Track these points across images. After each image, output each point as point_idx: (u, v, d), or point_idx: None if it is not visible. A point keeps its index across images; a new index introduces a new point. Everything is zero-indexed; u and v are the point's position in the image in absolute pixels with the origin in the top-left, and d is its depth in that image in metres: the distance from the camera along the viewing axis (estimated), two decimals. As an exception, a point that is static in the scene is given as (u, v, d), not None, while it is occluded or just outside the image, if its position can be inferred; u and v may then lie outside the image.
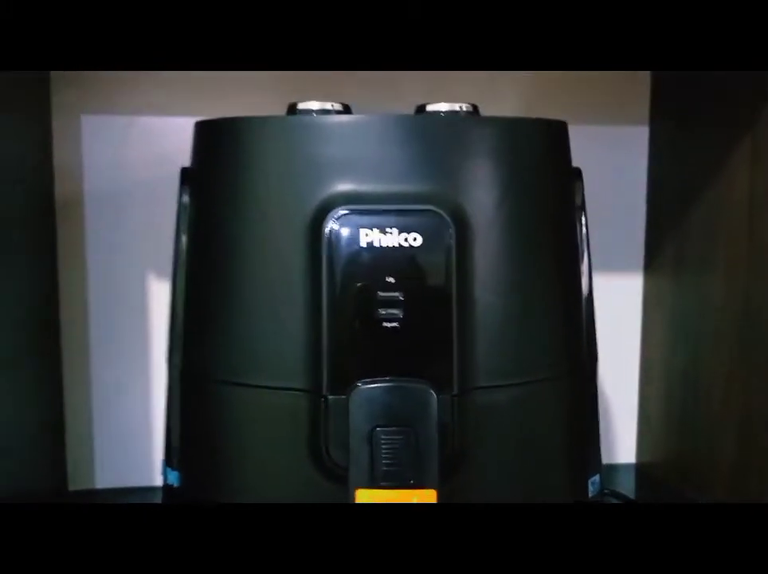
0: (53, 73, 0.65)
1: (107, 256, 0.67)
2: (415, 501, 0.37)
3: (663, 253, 0.71)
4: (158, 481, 0.65)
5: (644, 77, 0.71)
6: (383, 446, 0.38)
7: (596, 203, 0.70)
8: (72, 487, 0.68)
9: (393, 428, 0.38)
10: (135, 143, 0.66)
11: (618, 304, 0.73)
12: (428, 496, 0.38)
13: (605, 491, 0.64)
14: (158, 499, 0.50)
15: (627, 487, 0.70)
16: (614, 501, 0.65)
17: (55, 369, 0.66)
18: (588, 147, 0.70)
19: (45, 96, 0.64)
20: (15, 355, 0.55)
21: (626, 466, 0.75)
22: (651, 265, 0.73)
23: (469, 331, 0.40)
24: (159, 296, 0.68)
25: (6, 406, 0.53)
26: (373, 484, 0.38)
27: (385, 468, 0.38)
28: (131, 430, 0.69)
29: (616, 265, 0.73)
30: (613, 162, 0.71)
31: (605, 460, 0.73)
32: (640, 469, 0.74)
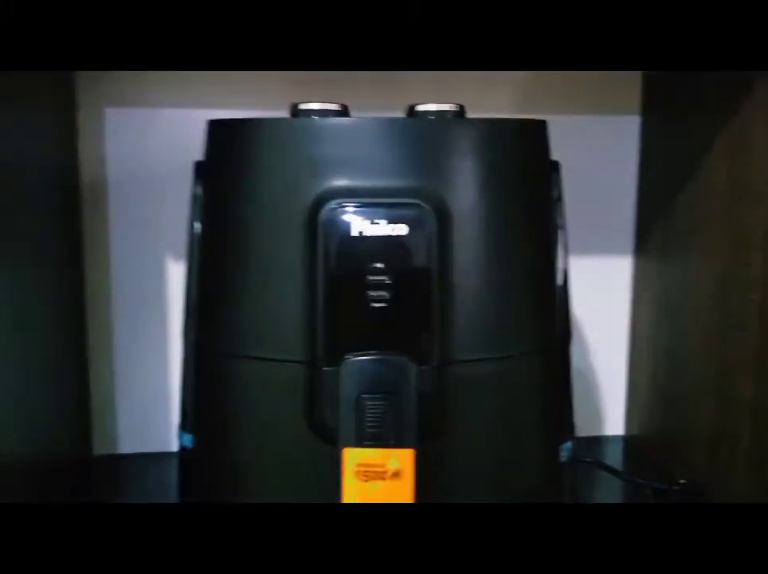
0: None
1: (129, 241, 0.69)
2: (394, 459, 0.41)
3: (651, 237, 0.73)
4: (177, 446, 0.69)
5: (635, 71, 0.73)
6: (368, 411, 0.42)
7: (590, 190, 0.74)
8: (96, 452, 0.71)
9: (377, 395, 0.42)
10: (155, 135, 0.68)
11: (609, 284, 0.76)
12: (406, 455, 0.42)
13: (589, 460, 0.68)
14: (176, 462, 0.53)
15: (615, 458, 0.73)
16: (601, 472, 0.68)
17: (81, 343, 0.69)
18: (582, 137, 0.73)
19: (70, 91, 0.66)
20: (44, 331, 0.58)
21: (615, 438, 0.77)
22: (640, 248, 0.75)
23: (449, 310, 0.44)
24: (176, 276, 0.70)
25: (35, 378, 0.56)
26: (359, 443, 0.42)
27: (369, 430, 0.42)
28: (152, 398, 0.71)
29: (607, 248, 0.75)
30: (607, 151, 0.74)
31: (594, 432, 0.78)
32: (628, 440, 0.77)
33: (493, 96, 0.71)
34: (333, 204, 0.44)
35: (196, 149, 0.50)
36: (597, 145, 0.74)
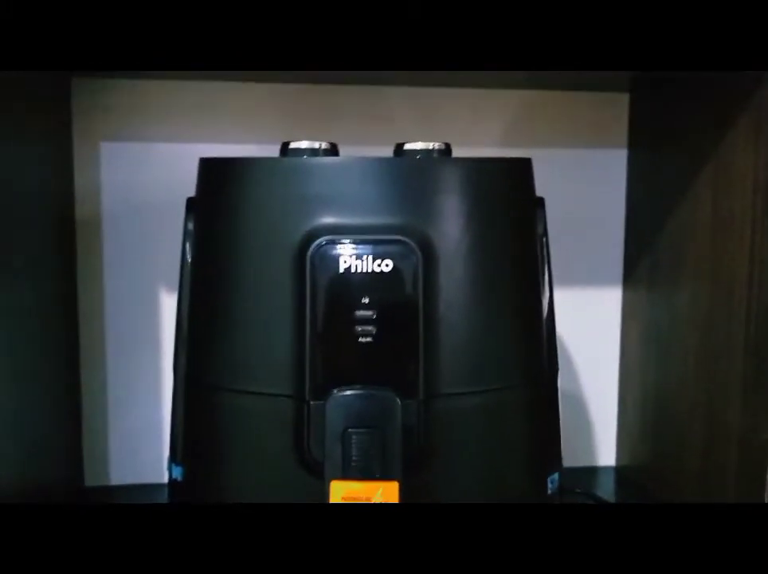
0: (75, 104, 0.68)
1: (122, 271, 0.70)
2: (380, 492, 0.42)
3: (638, 268, 0.74)
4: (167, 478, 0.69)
5: (623, 104, 0.74)
6: (354, 445, 0.42)
7: (578, 222, 0.75)
8: (88, 483, 0.71)
9: (363, 429, 0.43)
10: (148, 168, 0.69)
11: (599, 315, 0.77)
12: (391, 487, 0.42)
13: (578, 491, 0.69)
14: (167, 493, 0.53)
15: (607, 489, 0.74)
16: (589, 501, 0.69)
17: (73, 374, 0.69)
18: (571, 171, 0.75)
19: (66, 125, 0.67)
20: (37, 362, 0.58)
21: (607, 469, 0.78)
22: (628, 279, 0.76)
23: (434, 345, 0.45)
24: (169, 308, 0.70)
25: (27, 408, 0.56)
26: (345, 476, 0.42)
27: (354, 463, 0.42)
28: (144, 430, 0.72)
29: (596, 280, 0.76)
30: (595, 184, 0.75)
31: (586, 463, 0.78)
32: (620, 471, 0.77)
33: (480, 131, 0.73)
34: (321, 241, 0.45)
35: (189, 183, 0.51)
36: (585, 178, 0.75)
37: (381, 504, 0.42)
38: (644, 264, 0.73)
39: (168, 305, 0.71)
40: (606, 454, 0.79)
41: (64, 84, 0.67)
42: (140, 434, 0.72)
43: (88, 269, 0.70)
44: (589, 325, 0.77)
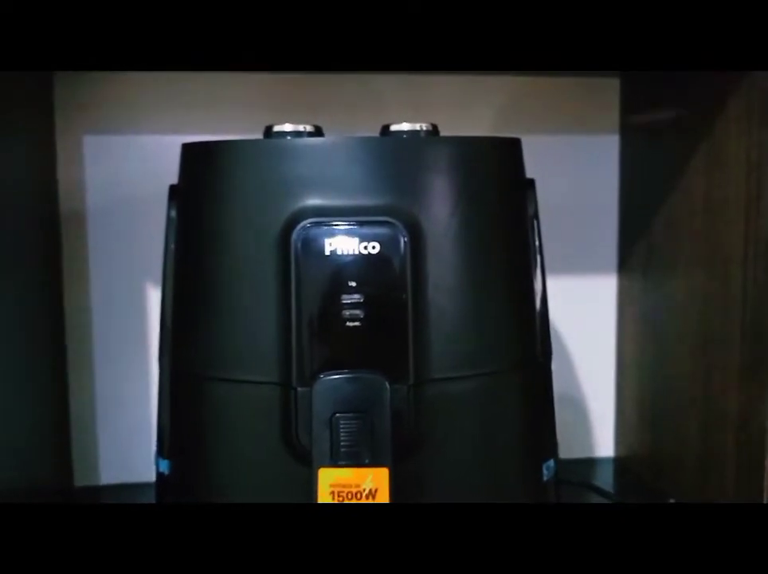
0: (57, 97, 0.67)
1: (108, 266, 0.70)
2: (370, 479, 0.41)
3: (633, 254, 0.73)
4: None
5: (614, 90, 0.74)
6: (342, 430, 0.41)
7: (572, 209, 0.74)
8: (77, 483, 0.70)
9: (351, 414, 0.42)
10: (133, 161, 0.69)
11: (594, 303, 0.76)
12: (381, 474, 0.41)
13: (577, 482, 0.68)
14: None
15: (605, 479, 0.73)
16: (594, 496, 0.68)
17: (61, 372, 0.68)
18: (563, 157, 0.74)
19: (49, 119, 0.67)
20: (24, 360, 0.58)
21: (605, 460, 0.77)
22: (623, 266, 0.75)
23: (423, 329, 0.44)
24: (156, 301, 0.66)
25: (15, 408, 0.55)
26: (333, 463, 0.41)
27: (343, 449, 0.41)
28: (134, 429, 0.71)
29: (591, 267, 0.76)
30: (588, 170, 0.74)
31: (584, 454, 0.78)
32: (618, 462, 0.76)
33: (469, 117, 0.72)
34: (306, 224, 0.43)
35: (173, 174, 0.50)
36: (578, 165, 0.75)
37: (372, 504, 0.42)
38: (639, 251, 0.72)
39: (155, 300, 0.69)
40: (604, 446, 0.78)
41: (45, 77, 0.66)
42: (130, 433, 0.72)
43: (74, 264, 0.69)
44: (585, 314, 0.76)
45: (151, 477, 0.68)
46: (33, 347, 0.61)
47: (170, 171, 0.51)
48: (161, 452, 0.50)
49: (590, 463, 0.77)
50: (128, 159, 0.69)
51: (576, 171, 0.75)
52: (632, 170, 0.73)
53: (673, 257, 0.66)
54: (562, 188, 0.74)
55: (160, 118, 0.69)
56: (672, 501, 0.65)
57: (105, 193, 0.69)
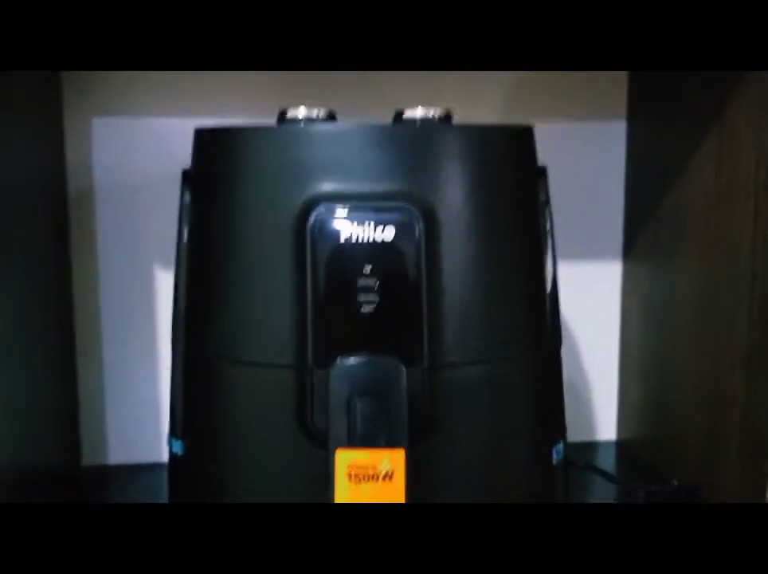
0: (65, 79, 0.67)
1: (116, 247, 0.69)
2: (386, 460, 0.41)
3: (639, 240, 0.73)
4: (167, 457, 0.68)
5: (622, 76, 0.74)
6: (359, 412, 0.42)
7: (578, 195, 0.74)
8: (85, 463, 0.70)
9: (368, 396, 0.42)
10: (141, 143, 0.68)
11: (598, 289, 0.76)
12: (398, 455, 0.42)
13: (581, 464, 0.68)
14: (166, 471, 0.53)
15: (608, 463, 0.73)
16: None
17: (69, 352, 0.68)
18: (569, 143, 0.74)
19: (57, 101, 0.66)
20: (32, 342, 0.58)
21: (607, 443, 0.77)
22: (628, 252, 0.75)
23: (438, 314, 0.44)
24: (164, 283, 0.70)
25: (23, 388, 0.55)
26: (350, 445, 0.42)
27: (360, 431, 0.42)
28: (141, 409, 0.71)
29: (596, 253, 0.76)
30: (594, 156, 0.74)
31: (587, 438, 0.78)
32: (621, 445, 0.77)
33: (479, 103, 0.72)
34: (321, 209, 0.44)
35: (182, 157, 0.50)
36: (584, 150, 0.74)
37: (385, 504, 0.42)
38: (644, 238, 0.72)
39: (164, 282, 0.70)
40: (607, 429, 0.78)
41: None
42: (137, 413, 0.72)
43: (82, 246, 0.69)
44: (589, 300, 0.76)
45: (159, 457, 0.70)
46: (41, 328, 0.61)
47: (178, 154, 0.51)
48: (174, 433, 0.50)
49: (593, 447, 0.77)
50: (136, 141, 0.69)
51: (583, 157, 0.74)
52: (640, 156, 0.73)
53: (680, 243, 0.66)
54: (568, 174, 0.73)
55: (169, 100, 0.69)
56: (675, 483, 0.65)
57: (113, 175, 0.69)
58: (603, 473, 0.68)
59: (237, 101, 0.69)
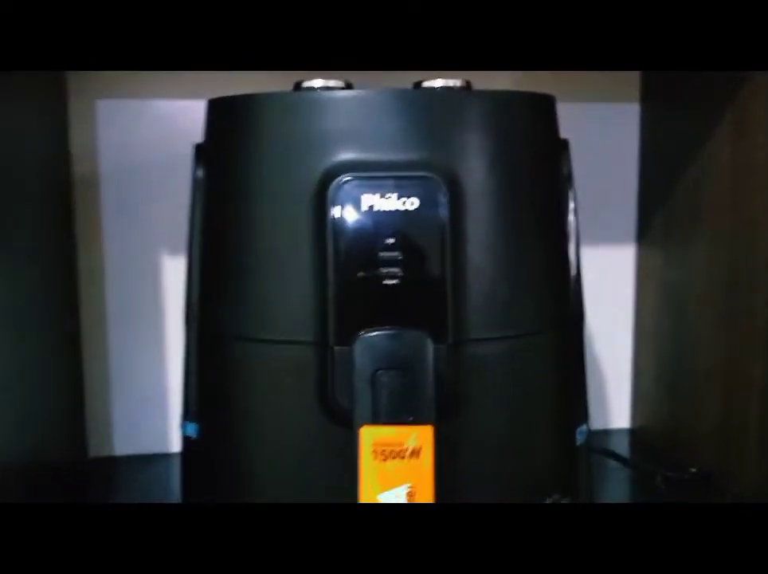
0: None
1: (122, 231, 0.69)
2: (414, 436, 0.40)
3: (653, 223, 0.73)
4: (174, 447, 0.67)
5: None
6: (384, 387, 0.40)
7: (591, 178, 0.73)
8: (92, 454, 0.70)
9: (394, 371, 0.41)
10: (146, 125, 0.68)
11: (612, 273, 0.75)
12: (425, 432, 0.40)
13: (598, 450, 0.67)
14: (174, 466, 0.52)
15: (623, 450, 0.72)
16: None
17: (75, 342, 0.68)
18: (582, 124, 0.73)
19: (61, 83, 0.66)
20: (36, 328, 0.57)
21: (622, 431, 0.77)
22: (642, 236, 0.75)
23: (463, 287, 0.43)
24: (171, 268, 0.69)
25: (28, 378, 0.55)
26: (375, 422, 0.40)
27: (386, 407, 0.40)
28: (148, 400, 0.70)
29: (610, 237, 0.75)
30: (607, 138, 0.73)
31: (601, 425, 0.77)
32: (636, 432, 0.76)
33: (492, 82, 0.70)
34: (342, 179, 0.42)
35: (187, 138, 0.49)
36: (597, 133, 0.74)
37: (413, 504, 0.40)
38: (658, 220, 0.72)
39: (170, 266, 0.70)
40: (621, 416, 0.78)
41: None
42: (144, 403, 0.71)
43: (87, 230, 0.69)
44: (603, 285, 0.75)
45: (165, 448, 0.70)
46: (45, 314, 0.60)
47: (183, 136, 0.50)
48: (187, 415, 0.49)
49: (607, 434, 0.76)
50: (141, 123, 0.68)
51: (595, 139, 0.73)
52: (653, 138, 0.72)
53: (695, 225, 0.65)
54: (581, 156, 0.72)
55: (174, 82, 0.68)
56: (693, 470, 0.64)
57: (118, 157, 0.68)
58: (620, 459, 0.67)
59: (245, 82, 0.68)
